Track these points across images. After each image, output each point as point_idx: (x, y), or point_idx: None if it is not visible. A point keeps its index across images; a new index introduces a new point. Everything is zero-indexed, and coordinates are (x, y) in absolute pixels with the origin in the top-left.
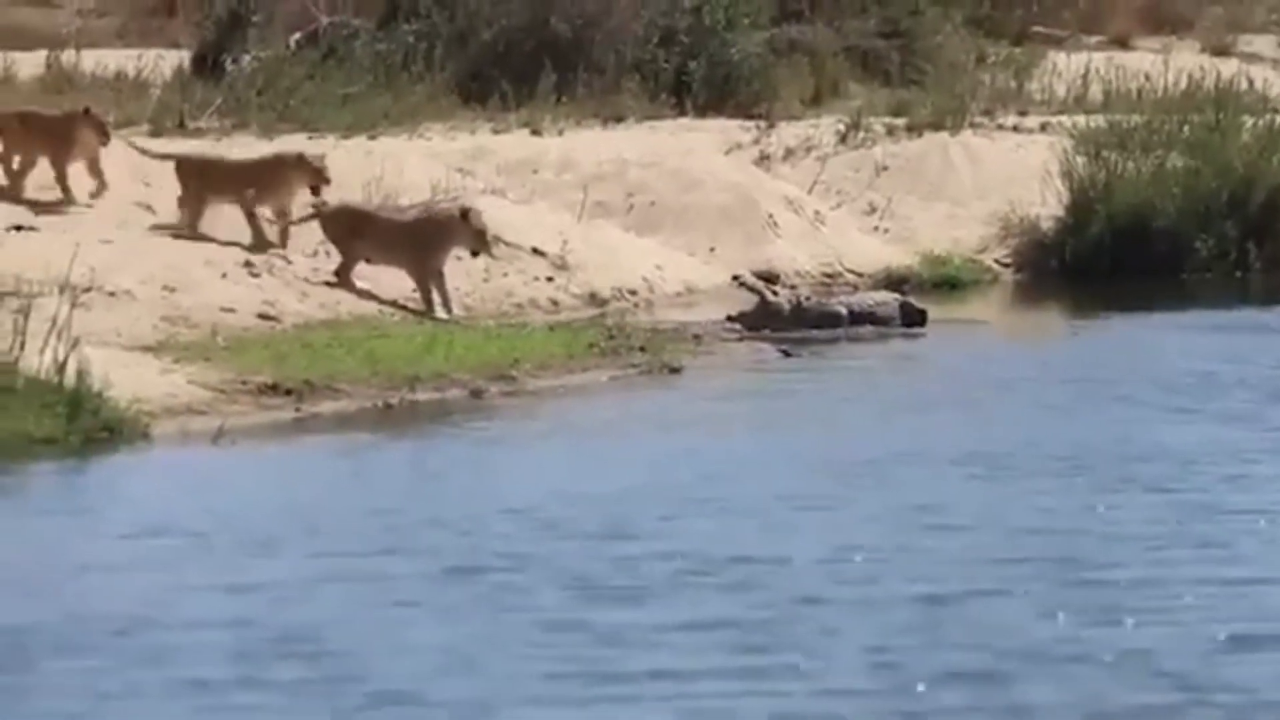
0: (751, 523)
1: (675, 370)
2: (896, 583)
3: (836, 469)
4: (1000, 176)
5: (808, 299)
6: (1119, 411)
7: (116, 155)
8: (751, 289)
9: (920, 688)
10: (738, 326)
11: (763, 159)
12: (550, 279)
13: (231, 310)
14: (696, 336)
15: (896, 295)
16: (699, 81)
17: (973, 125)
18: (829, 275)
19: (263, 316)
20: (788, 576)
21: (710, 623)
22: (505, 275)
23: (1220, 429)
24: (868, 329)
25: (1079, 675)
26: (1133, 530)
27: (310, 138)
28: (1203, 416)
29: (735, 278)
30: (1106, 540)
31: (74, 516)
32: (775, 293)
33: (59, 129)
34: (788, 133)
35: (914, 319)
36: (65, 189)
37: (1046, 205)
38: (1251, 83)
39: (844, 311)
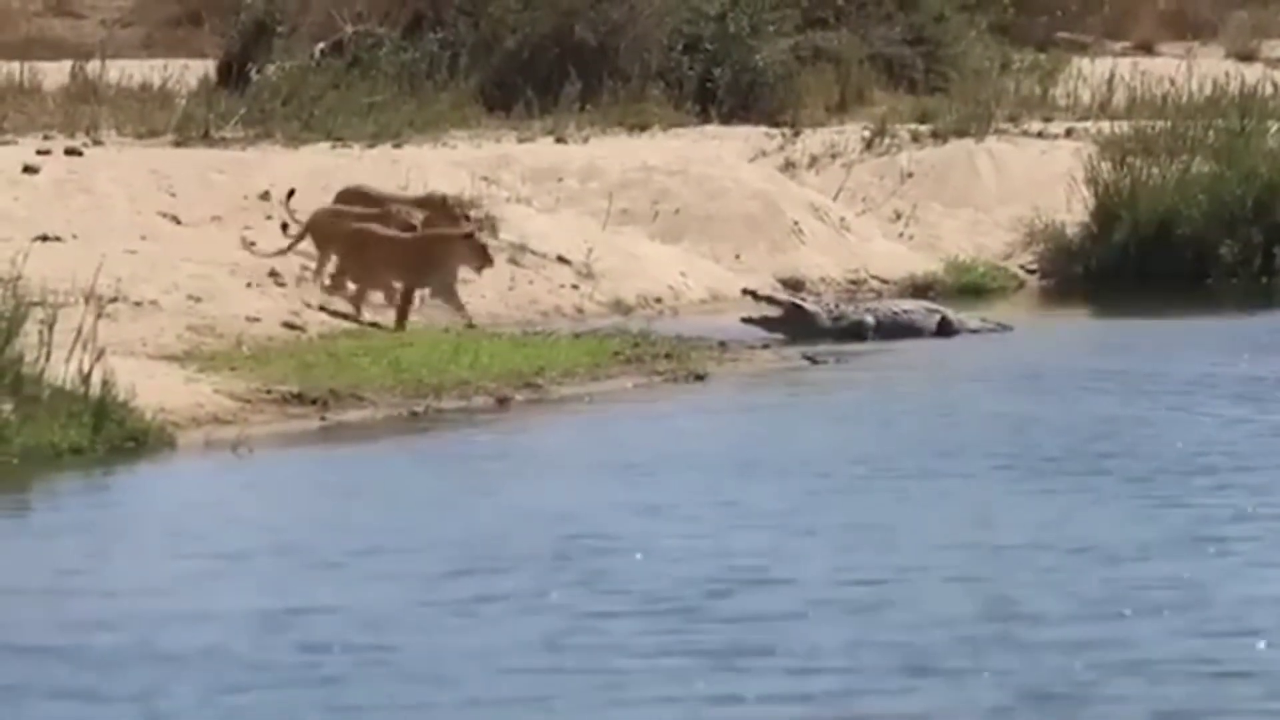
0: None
1: (700, 378)
2: None
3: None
4: (1025, 183)
5: (835, 306)
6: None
7: (136, 163)
8: (773, 301)
9: None
10: (780, 335)
11: (788, 166)
12: (575, 286)
13: (257, 319)
14: (722, 344)
15: (933, 305)
16: (724, 89)
17: (997, 132)
18: (854, 282)
19: (288, 326)
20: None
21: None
22: (530, 283)
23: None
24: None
25: None
26: None
27: (335, 147)
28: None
29: (754, 295)
30: None
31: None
32: (803, 300)
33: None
34: (813, 140)
35: (947, 329)
36: None
37: (1071, 211)
38: (1276, 87)
39: (873, 321)
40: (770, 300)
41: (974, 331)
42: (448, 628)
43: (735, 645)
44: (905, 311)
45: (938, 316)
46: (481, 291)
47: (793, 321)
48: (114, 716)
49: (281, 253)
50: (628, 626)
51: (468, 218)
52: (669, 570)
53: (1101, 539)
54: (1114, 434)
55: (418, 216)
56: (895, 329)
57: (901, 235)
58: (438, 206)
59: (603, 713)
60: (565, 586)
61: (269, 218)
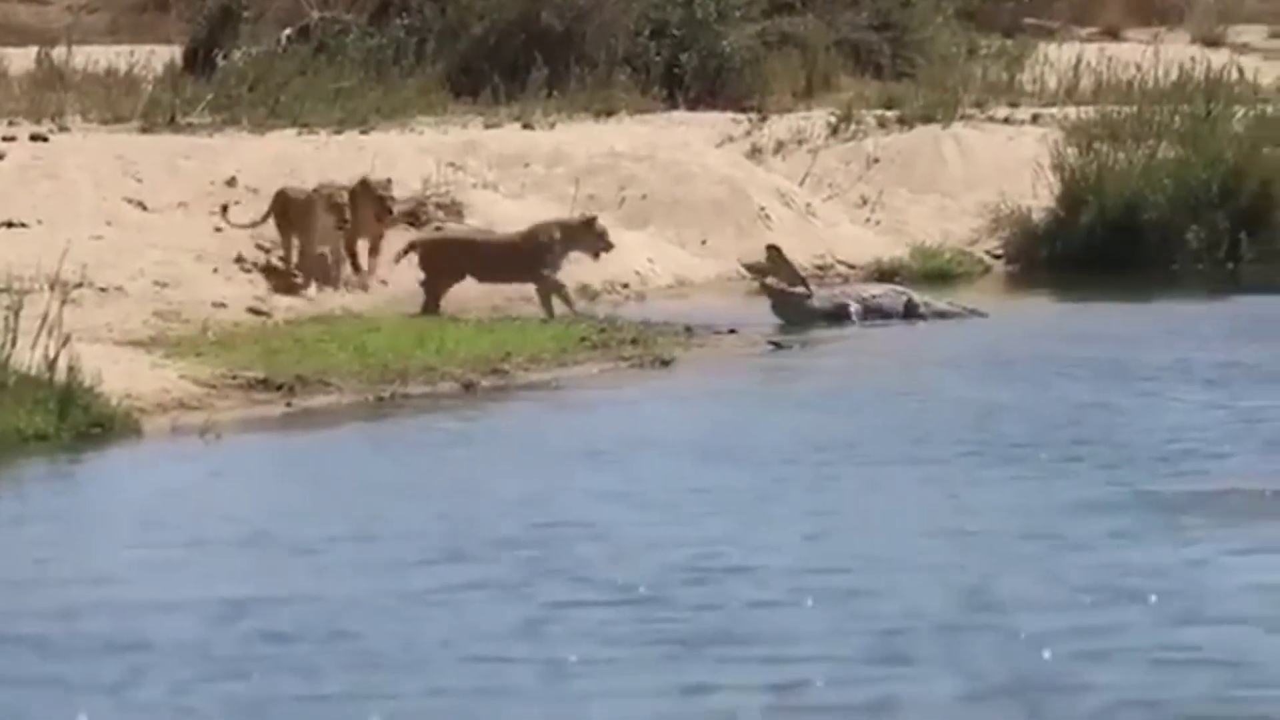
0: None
1: (666, 363)
2: None
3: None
4: (991, 168)
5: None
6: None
7: (102, 149)
8: (777, 287)
9: None
10: (777, 321)
11: (754, 152)
12: None
13: (223, 305)
14: (688, 329)
15: (900, 288)
16: (690, 74)
17: (964, 117)
18: (820, 267)
19: (254, 311)
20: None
21: None
22: None
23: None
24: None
25: None
26: None
27: (301, 133)
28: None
29: (762, 285)
30: None
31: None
32: (805, 284)
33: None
34: (779, 125)
35: (914, 312)
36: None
37: (1038, 197)
38: (1242, 73)
39: (858, 306)
40: (762, 283)
41: (942, 314)
42: (415, 616)
43: (702, 633)
44: (874, 296)
45: (904, 299)
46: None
47: (783, 304)
48: (82, 705)
49: (254, 224)
50: (594, 615)
51: (391, 198)
52: (634, 557)
53: (1071, 526)
54: (1085, 420)
55: (344, 197)
56: (866, 313)
57: (868, 221)
58: (360, 189)
59: (568, 702)
60: (530, 574)
61: (236, 203)
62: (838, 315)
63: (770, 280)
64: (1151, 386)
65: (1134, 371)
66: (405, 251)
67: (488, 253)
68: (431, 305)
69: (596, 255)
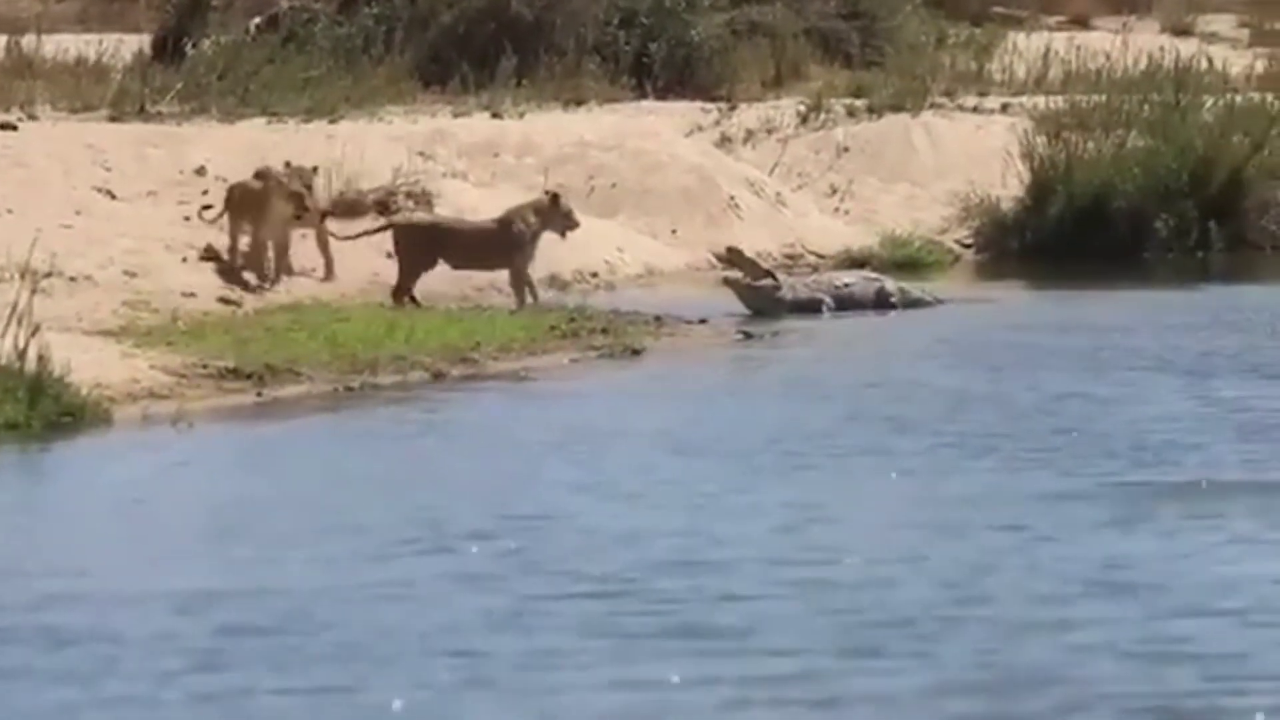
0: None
1: (637, 352)
2: None
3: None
4: (961, 157)
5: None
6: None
7: (71, 137)
8: (743, 282)
9: None
10: (747, 312)
11: (724, 141)
12: None
13: (192, 295)
14: (658, 319)
15: (871, 275)
16: (660, 63)
17: (933, 106)
18: (790, 257)
19: (224, 301)
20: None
21: None
22: None
23: None
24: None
25: None
26: None
27: (270, 122)
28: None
29: (725, 280)
30: None
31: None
32: (772, 276)
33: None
34: (748, 115)
35: (885, 301)
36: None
37: (1007, 186)
38: (1211, 62)
39: (829, 299)
40: (726, 279)
41: (915, 303)
42: (387, 608)
43: (674, 625)
44: (846, 284)
45: (876, 285)
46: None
47: (751, 298)
48: (51, 698)
49: (219, 217)
50: (566, 608)
51: (309, 188)
52: (604, 549)
53: (1046, 516)
54: (1058, 410)
55: (256, 185)
56: (838, 303)
57: (838, 210)
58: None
59: (539, 695)
60: (503, 566)
61: (205, 192)
62: (809, 306)
63: (732, 275)
64: (1126, 376)
65: (1109, 361)
66: (378, 230)
67: (463, 239)
68: (405, 288)
69: (564, 234)
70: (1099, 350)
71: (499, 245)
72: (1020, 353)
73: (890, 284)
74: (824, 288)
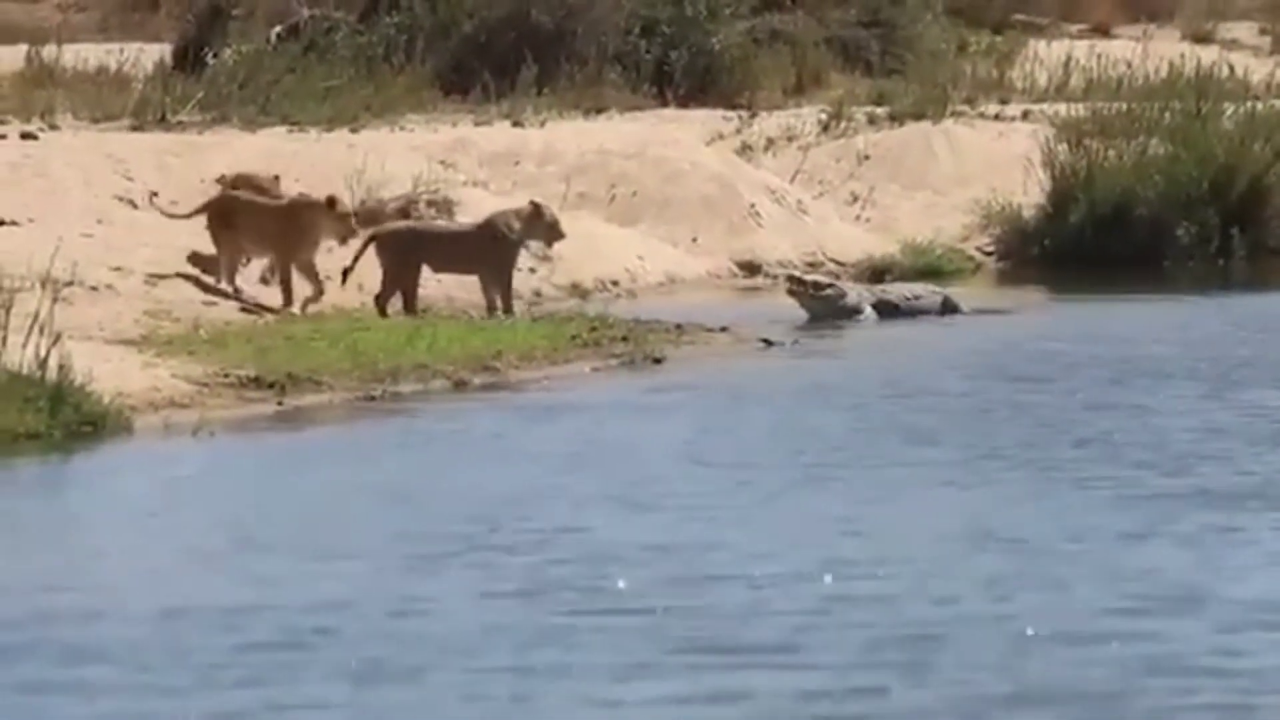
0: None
1: (658, 361)
2: None
3: None
4: (982, 165)
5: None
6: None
7: (92, 147)
8: (802, 292)
9: None
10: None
11: (745, 149)
12: (533, 270)
13: (213, 303)
14: (679, 327)
15: (935, 288)
16: (681, 72)
17: (954, 114)
18: (811, 265)
19: (245, 309)
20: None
21: None
22: None
23: None
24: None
25: None
26: None
27: (291, 131)
28: None
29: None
30: None
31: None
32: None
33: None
34: (769, 123)
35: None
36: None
37: (1028, 193)
38: (1232, 69)
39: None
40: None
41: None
42: (408, 623)
43: (698, 639)
44: (915, 296)
45: (939, 298)
46: (438, 275)
47: (822, 304)
48: (60, 713)
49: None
50: (590, 623)
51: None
52: (627, 562)
53: (1082, 528)
54: (1087, 421)
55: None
56: (910, 311)
57: (858, 218)
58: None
59: (559, 711)
60: (525, 581)
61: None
62: (888, 310)
63: (794, 285)
64: (1156, 385)
65: (1139, 369)
66: (365, 245)
67: (444, 242)
68: (406, 299)
69: (549, 244)
70: (1130, 358)
71: (480, 248)
72: (1044, 362)
73: (954, 296)
74: (893, 296)
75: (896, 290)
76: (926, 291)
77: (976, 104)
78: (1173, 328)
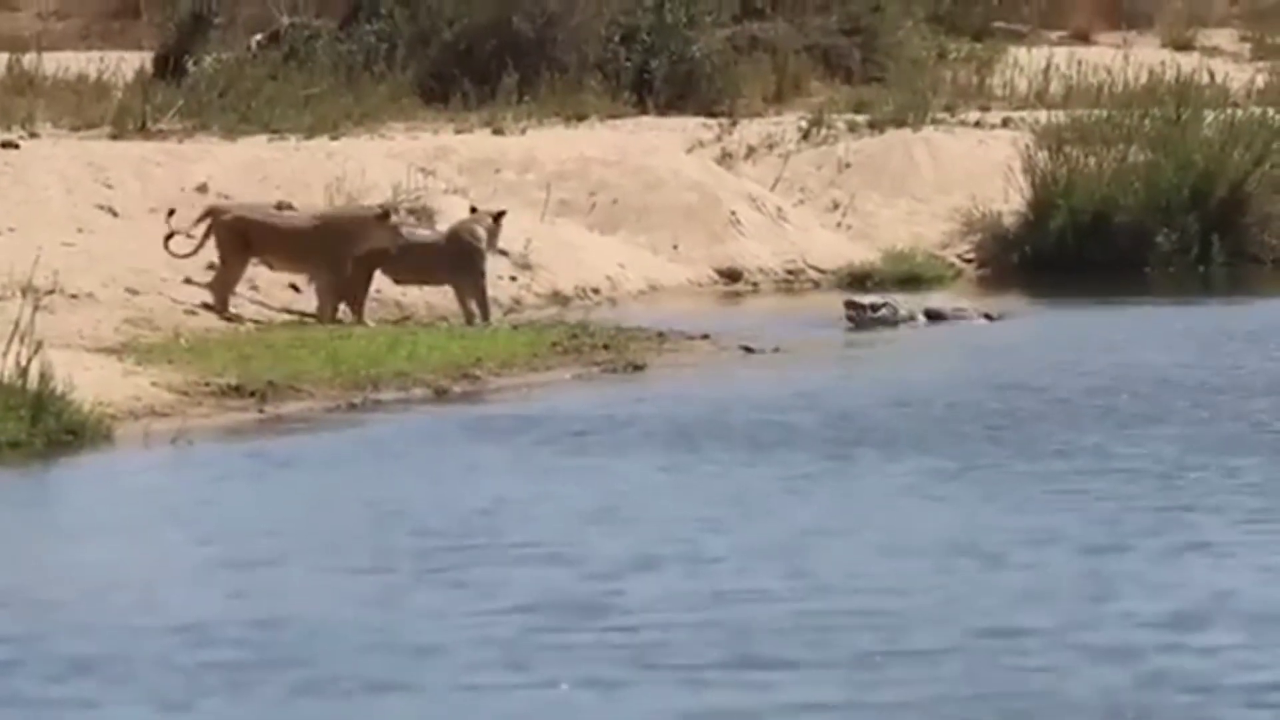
0: None
1: (639, 368)
2: None
3: None
4: (962, 172)
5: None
6: None
7: (73, 155)
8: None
9: None
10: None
11: (725, 157)
12: (513, 278)
13: (194, 312)
14: (660, 334)
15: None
16: (661, 80)
17: (934, 121)
18: (792, 272)
19: (225, 318)
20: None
21: None
22: None
23: None
24: None
25: None
26: None
27: (272, 139)
28: None
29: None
30: None
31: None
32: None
33: None
34: (750, 130)
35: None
36: None
37: (1009, 201)
38: (1212, 76)
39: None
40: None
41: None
42: (388, 636)
43: (683, 655)
44: (959, 309)
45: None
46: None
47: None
48: None
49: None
50: (570, 639)
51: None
52: (607, 574)
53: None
54: (1074, 427)
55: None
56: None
57: (839, 225)
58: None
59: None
60: (503, 595)
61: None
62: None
63: (852, 310)
64: (1150, 391)
65: (1130, 376)
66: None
67: (406, 253)
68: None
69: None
70: (1119, 365)
71: (445, 259)
72: (1031, 369)
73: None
74: (945, 310)
75: (939, 301)
76: (969, 306)
77: (957, 111)
78: (1156, 334)
